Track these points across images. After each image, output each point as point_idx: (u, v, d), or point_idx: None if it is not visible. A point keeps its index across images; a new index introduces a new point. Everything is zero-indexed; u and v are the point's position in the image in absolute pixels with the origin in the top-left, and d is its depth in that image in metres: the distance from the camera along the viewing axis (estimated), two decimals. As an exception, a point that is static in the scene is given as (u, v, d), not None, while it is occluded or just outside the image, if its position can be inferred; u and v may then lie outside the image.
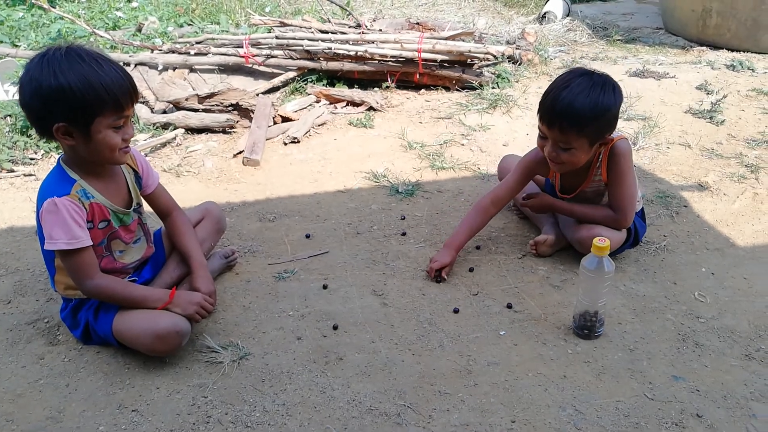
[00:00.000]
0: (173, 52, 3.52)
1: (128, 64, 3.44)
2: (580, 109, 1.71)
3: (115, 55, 3.54)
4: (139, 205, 1.74)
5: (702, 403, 1.49)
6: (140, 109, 3.17)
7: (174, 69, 3.48)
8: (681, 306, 1.82)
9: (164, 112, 3.14)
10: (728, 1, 4.00)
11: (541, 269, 2.00)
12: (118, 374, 1.61)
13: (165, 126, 3.05)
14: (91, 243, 1.55)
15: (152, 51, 3.56)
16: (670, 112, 3.14)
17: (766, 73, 3.66)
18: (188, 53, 3.49)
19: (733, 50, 4.10)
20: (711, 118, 3.06)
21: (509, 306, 1.82)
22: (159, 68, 3.45)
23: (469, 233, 2.00)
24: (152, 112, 3.17)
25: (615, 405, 1.49)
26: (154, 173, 1.80)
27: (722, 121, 3.02)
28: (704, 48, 4.22)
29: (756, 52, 4.01)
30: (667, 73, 3.62)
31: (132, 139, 1.63)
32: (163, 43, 3.72)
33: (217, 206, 2.02)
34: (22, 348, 1.71)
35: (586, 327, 1.69)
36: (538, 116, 1.83)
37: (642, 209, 2.06)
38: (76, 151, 1.53)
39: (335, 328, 1.74)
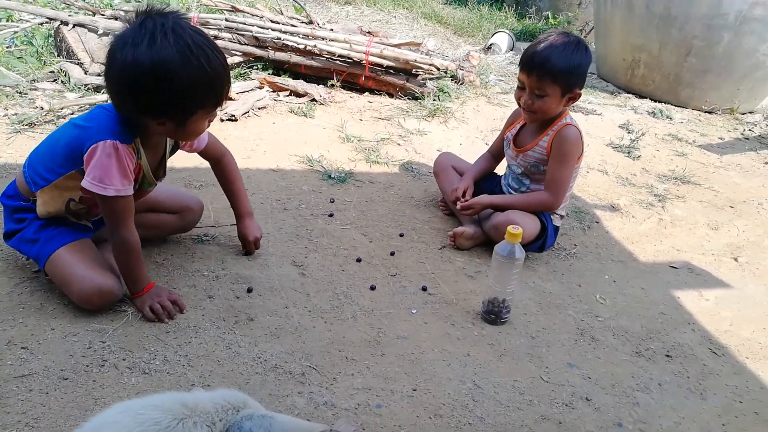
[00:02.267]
0: (116, 18, 3.43)
1: (66, 23, 3.32)
2: (556, 59, 1.92)
3: (53, 13, 3.41)
4: (164, 176, 1.72)
5: (592, 389, 1.58)
6: (72, 70, 3.05)
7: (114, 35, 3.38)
8: (583, 305, 1.93)
9: (99, 75, 3.04)
10: (655, 54, 4.33)
11: (459, 260, 2.06)
12: (11, 312, 1.52)
13: (97, 88, 2.95)
14: (132, 193, 1.51)
15: (94, 14, 3.45)
16: (593, 143, 3.34)
17: (682, 122, 3.98)
18: (133, 23, 3.40)
19: (656, 100, 4.43)
20: (629, 153, 3.29)
21: (424, 288, 1.87)
22: (99, 32, 3.34)
23: (478, 170, 2.29)
24: (86, 74, 3.06)
25: (512, 384, 1.55)
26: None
27: (638, 157, 3.25)
28: (630, 95, 4.54)
29: (676, 105, 4.35)
30: (595, 111, 3.87)
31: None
32: (107, 8, 3.61)
33: (201, 208, 1.92)
34: None
35: (493, 312, 1.76)
36: (519, 67, 2.02)
37: (557, 227, 2.18)
38: (152, 126, 1.47)
39: (249, 291, 1.73)
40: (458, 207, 2.15)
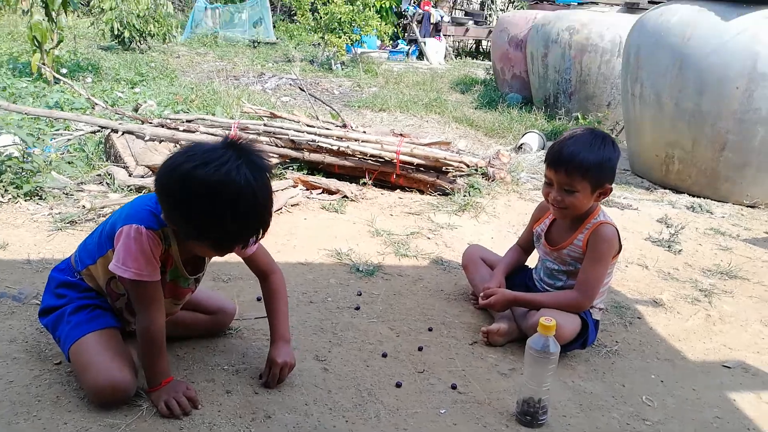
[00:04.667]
0: (163, 126, 3.65)
1: (116, 131, 3.55)
2: (585, 154, 1.88)
3: (104, 122, 3.66)
4: (203, 274, 1.72)
5: (643, 503, 1.40)
6: (118, 172, 3.22)
7: (160, 141, 3.59)
8: (628, 407, 1.77)
9: (142, 176, 3.19)
10: (689, 150, 4.31)
11: (491, 356, 1.95)
12: (26, 405, 1.49)
13: (139, 189, 3.08)
14: (159, 279, 1.50)
15: (143, 123, 3.69)
16: (631, 237, 3.25)
17: (723, 217, 3.87)
18: (177, 129, 3.62)
19: (694, 195, 4.34)
20: (669, 247, 3.17)
21: (453, 387, 1.76)
22: (146, 138, 3.55)
23: (508, 263, 2.24)
24: (130, 176, 3.22)
25: (552, 495, 1.39)
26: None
27: (679, 251, 3.13)
28: (667, 190, 4.48)
29: (715, 199, 4.24)
30: (630, 205, 3.81)
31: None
32: (155, 117, 3.86)
33: (235, 310, 1.93)
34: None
35: (529, 413, 1.62)
36: (545, 164, 1.98)
37: (598, 321, 2.07)
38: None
39: (261, 377, 1.67)
40: (480, 303, 2.07)
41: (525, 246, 2.28)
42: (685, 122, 4.19)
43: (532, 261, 2.30)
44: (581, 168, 1.88)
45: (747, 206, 4.11)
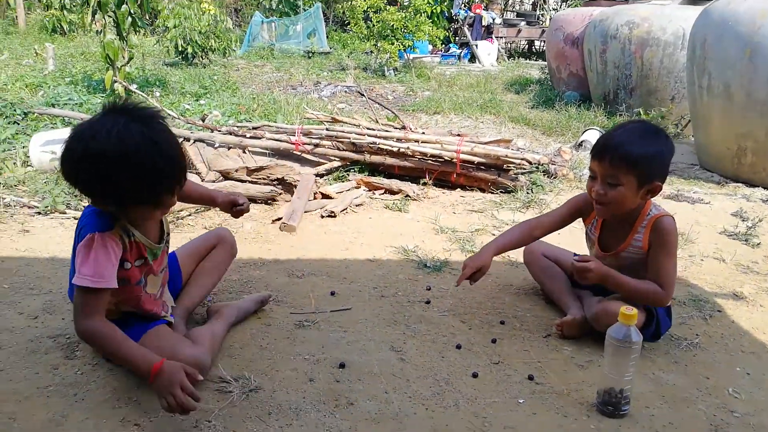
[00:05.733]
0: (231, 133, 3.80)
1: (188, 140, 3.72)
2: (632, 145, 1.77)
3: (176, 131, 3.84)
4: (169, 234, 1.75)
5: (737, 494, 1.36)
6: (190, 177, 3.37)
7: (229, 148, 3.74)
8: (714, 399, 1.72)
9: (213, 181, 3.33)
10: (762, 141, 4.12)
11: (566, 349, 1.94)
12: (126, 391, 1.59)
13: (212, 193, 3.22)
14: (115, 286, 1.48)
15: (212, 131, 3.85)
16: (705, 231, 3.14)
17: (803, 209, 3.68)
18: (244, 136, 3.76)
19: (769, 188, 4.15)
20: (746, 240, 3.05)
21: (530, 378, 1.76)
22: (216, 146, 3.71)
23: (506, 242, 2.06)
24: (202, 181, 3.37)
25: (639, 483, 1.37)
26: None
27: (758, 244, 3.00)
28: (739, 184, 4.29)
29: (792, 192, 4.04)
30: (702, 200, 3.68)
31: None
32: (222, 126, 4.03)
33: (229, 231, 2.08)
34: (39, 357, 1.72)
35: (611, 404, 1.60)
36: (590, 156, 1.87)
37: (669, 306, 2.01)
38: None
39: (342, 366, 1.73)
40: (576, 265, 1.87)
41: (543, 228, 2.08)
42: (757, 113, 4.01)
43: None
44: (627, 158, 1.76)
45: (828, 198, 3.89)
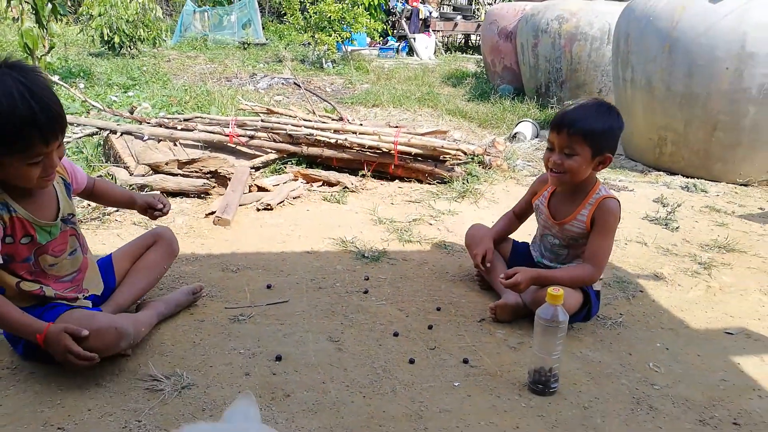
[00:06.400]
0: (161, 125, 3.67)
1: (114, 132, 3.57)
2: (588, 119, 1.92)
3: (103, 123, 3.68)
4: (71, 215, 1.67)
5: (656, 461, 1.45)
6: (119, 172, 3.24)
7: (159, 141, 3.61)
8: (636, 374, 1.81)
9: (143, 175, 3.21)
10: (681, 132, 4.36)
11: (499, 332, 1.99)
12: (48, 394, 1.52)
13: (141, 188, 3.10)
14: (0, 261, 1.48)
15: (141, 123, 3.71)
16: (628, 217, 3.30)
17: (718, 195, 3.92)
18: (175, 128, 3.64)
19: (688, 176, 4.40)
20: (666, 225, 3.22)
21: (465, 361, 1.80)
22: (144, 138, 3.57)
23: (498, 230, 2.32)
24: (131, 175, 3.24)
25: (567, 457, 1.43)
26: (80, 174, 1.78)
27: (677, 228, 3.18)
28: (661, 172, 4.53)
29: (709, 179, 4.29)
30: (626, 187, 3.86)
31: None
32: (152, 118, 3.88)
33: (169, 230, 2.03)
34: (-49, 363, 1.61)
35: (541, 382, 1.67)
36: (549, 129, 2.02)
37: (599, 291, 2.11)
38: None
39: (278, 359, 1.71)
40: (504, 285, 1.99)
41: (519, 214, 2.35)
42: (676, 105, 4.25)
43: (520, 236, 2.35)
44: (583, 130, 1.91)
45: (740, 185, 4.17)
